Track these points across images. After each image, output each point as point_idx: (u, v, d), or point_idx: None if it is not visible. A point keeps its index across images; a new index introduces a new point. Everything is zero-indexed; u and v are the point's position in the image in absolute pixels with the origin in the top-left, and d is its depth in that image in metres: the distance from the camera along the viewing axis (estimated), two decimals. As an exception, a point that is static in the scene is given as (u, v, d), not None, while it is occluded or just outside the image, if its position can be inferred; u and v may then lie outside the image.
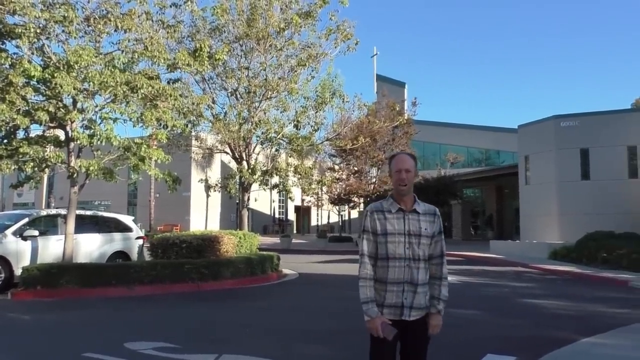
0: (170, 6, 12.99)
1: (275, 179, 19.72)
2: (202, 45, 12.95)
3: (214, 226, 38.49)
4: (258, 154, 19.53)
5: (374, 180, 31.20)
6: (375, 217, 3.29)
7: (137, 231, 14.32)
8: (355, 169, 31.14)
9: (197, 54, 12.81)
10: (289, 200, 46.05)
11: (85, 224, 12.97)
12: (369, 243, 3.28)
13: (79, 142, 11.38)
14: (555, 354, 6.18)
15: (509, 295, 11.60)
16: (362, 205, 34.01)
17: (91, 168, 11.24)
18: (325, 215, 48.10)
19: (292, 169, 19.16)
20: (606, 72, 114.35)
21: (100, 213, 14.76)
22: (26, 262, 11.54)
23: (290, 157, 20.07)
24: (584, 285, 13.52)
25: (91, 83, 11.01)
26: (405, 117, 29.39)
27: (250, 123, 18.13)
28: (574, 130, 22.81)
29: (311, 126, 19.04)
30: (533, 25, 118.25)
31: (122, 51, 11.75)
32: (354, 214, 43.36)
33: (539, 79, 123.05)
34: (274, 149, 19.99)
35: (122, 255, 13.46)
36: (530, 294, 11.80)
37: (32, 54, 11.43)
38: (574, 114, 23.45)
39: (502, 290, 12.48)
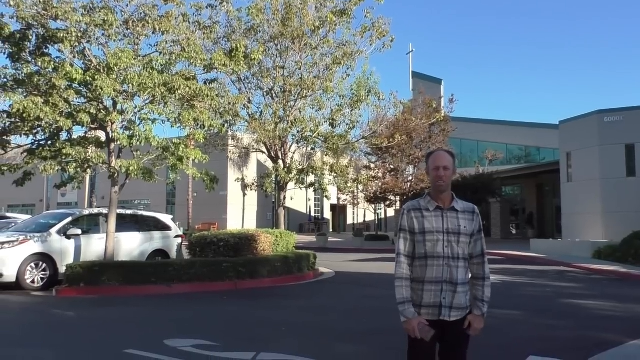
0: (206, 7, 13.12)
1: (311, 178, 19.78)
2: (238, 46, 13.03)
3: (250, 225, 38.82)
4: (294, 153, 19.60)
5: (410, 178, 30.87)
6: (413, 215, 3.22)
7: (175, 230, 14.54)
8: (392, 167, 30.86)
9: (233, 54, 12.90)
10: (324, 199, 46.20)
11: (126, 223, 13.24)
12: (406, 242, 3.21)
13: (119, 142, 11.62)
14: (600, 356, 5.97)
15: (552, 295, 11.30)
16: (398, 204, 33.72)
17: (131, 168, 11.46)
18: (361, 213, 47.95)
19: (327, 167, 19.18)
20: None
21: (140, 212, 15.03)
22: (70, 260, 11.87)
23: (326, 155, 20.10)
24: (630, 286, 13.05)
25: (130, 85, 11.23)
26: (442, 114, 28.97)
27: (285, 122, 18.21)
28: (618, 125, 22.08)
29: (347, 124, 19.03)
30: (572, 23, 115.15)
31: (160, 53, 11.94)
32: (390, 212, 43.11)
33: (580, 74, 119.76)
34: (309, 148, 20.04)
35: (161, 253, 13.69)
36: (574, 294, 11.46)
37: (74, 57, 11.72)
38: (618, 109, 22.71)
39: (545, 290, 12.16)
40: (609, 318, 8.81)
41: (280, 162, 18.77)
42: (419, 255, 3.18)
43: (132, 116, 12.07)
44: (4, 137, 11.95)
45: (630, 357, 6.08)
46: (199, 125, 12.47)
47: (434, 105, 28.39)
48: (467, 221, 3.24)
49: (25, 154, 12.20)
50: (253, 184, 23.27)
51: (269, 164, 20.42)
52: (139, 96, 12.02)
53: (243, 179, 25.05)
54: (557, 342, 6.88)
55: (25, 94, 11.26)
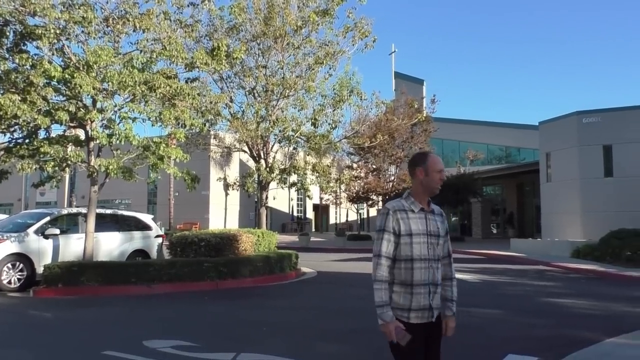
0: (188, 5, 13.05)
1: (293, 178, 19.72)
2: (220, 44, 12.96)
3: (232, 224, 38.65)
4: (276, 153, 19.53)
5: (392, 178, 31.00)
6: (399, 216, 3.13)
7: (156, 229, 14.41)
8: (374, 167, 30.97)
9: (214, 53, 12.83)
10: (307, 199, 46.03)
11: (106, 223, 13.08)
12: (389, 244, 3.10)
13: (98, 141, 11.48)
14: (578, 354, 6.05)
15: (531, 294, 11.42)
16: (380, 204, 33.80)
17: (110, 167, 11.33)
18: (343, 213, 48.05)
19: (310, 167, 19.12)
20: (628, 66, 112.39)
21: (120, 212, 14.87)
22: (48, 260, 11.69)
23: (308, 155, 20.03)
24: (608, 284, 13.26)
25: (110, 83, 11.10)
26: (424, 115, 29.05)
27: (268, 121, 18.13)
28: (596, 126, 22.42)
29: (329, 124, 18.98)
30: (553, 23, 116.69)
31: (141, 51, 11.82)
32: (373, 212, 43.23)
33: (559, 75, 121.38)
34: (291, 148, 19.98)
35: (141, 253, 13.55)
36: (553, 293, 11.61)
37: (53, 54, 11.56)
38: (597, 110, 23.05)
39: (524, 289, 12.30)
40: (587, 316, 8.94)
41: (263, 161, 18.68)
42: (404, 257, 3.11)
43: (112, 115, 11.96)
44: (-20, 135, 11.74)
45: (606, 354, 6.16)
46: (180, 124, 12.38)
47: (416, 106, 28.47)
48: (440, 223, 3.27)
49: (2, 152, 11.99)
50: (235, 183, 23.15)
51: (251, 163, 20.32)
52: (119, 94, 11.89)
53: (225, 179, 24.95)
54: (535, 341, 6.95)
55: (2, 91, 11.07)
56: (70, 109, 11.04)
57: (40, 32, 10.88)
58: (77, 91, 10.94)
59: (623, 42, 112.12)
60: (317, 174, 19.47)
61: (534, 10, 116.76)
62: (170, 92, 11.78)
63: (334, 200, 39.24)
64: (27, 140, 11.87)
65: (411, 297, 3.09)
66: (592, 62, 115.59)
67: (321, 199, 42.90)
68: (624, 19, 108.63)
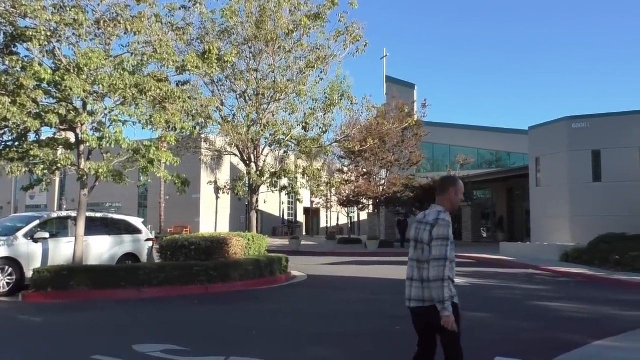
0: (180, 8, 13.04)
1: (283, 181, 19.73)
2: (211, 48, 12.96)
3: (223, 228, 38.56)
4: (267, 156, 19.53)
5: (383, 182, 31.07)
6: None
7: (146, 233, 14.36)
8: (364, 170, 31.04)
9: (206, 56, 12.82)
10: (297, 202, 45.84)
11: (96, 226, 13.02)
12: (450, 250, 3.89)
13: (88, 144, 11.43)
14: (565, 357, 6.11)
15: (520, 298, 11.50)
16: (371, 207, 33.84)
17: (100, 170, 11.29)
18: (334, 217, 48.07)
19: (300, 170, 19.13)
20: (617, 73, 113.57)
21: (110, 215, 14.81)
22: (37, 264, 11.61)
23: (298, 159, 20.05)
24: (596, 288, 13.37)
25: (101, 86, 11.06)
26: (415, 119, 29.19)
27: (258, 125, 18.13)
28: (585, 131, 22.57)
29: (320, 128, 18.99)
30: (543, 29, 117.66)
31: (132, 54, 11.78)
32: (363, 215, 43.26)
33: (549, 81, 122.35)
34: (282, 151, 19.99)
35: (131, 257, 13.49)
36: (542, 297, 11.69)
37: (43, 56, 11.48)
38: (586, 115, 23.21)
39: (513, 293, 12.38)
40: (575, 319, 9.02)
41: (253, 165, 18.66)
42: (452, 259, 3.90)
43: (102, 117, 11.90)
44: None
45: (591, 357, 6.23)
46: (171, 128, 12.35)
47: (407, 110, 28.55)
48: None
49: (-9, 155, 11.90)
50: (225, 187, 23.12)
51: (242, 167, 20.28)
52: (109, 97, 11.84)
53: (216, 182, 24.86)
54: (523, 344, 7.01)
55: (-9, 94, 10.99)
56: (60, 112, 10.98)
57: (30, 34, 10.81)
58: (67, 94, 10.88)
59: (612, 50, 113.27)
60: (308, 178, 19.47)
61: (524, 18, 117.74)
62: (161, 95, 11.76)
63: (325, 204, 39.29)
64: (16, 143, 11.78)
65: (451, 290, 3.86)
66: (581, 69, 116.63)
67: (312, 202, 42.88)
68: (613, 26, 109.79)
